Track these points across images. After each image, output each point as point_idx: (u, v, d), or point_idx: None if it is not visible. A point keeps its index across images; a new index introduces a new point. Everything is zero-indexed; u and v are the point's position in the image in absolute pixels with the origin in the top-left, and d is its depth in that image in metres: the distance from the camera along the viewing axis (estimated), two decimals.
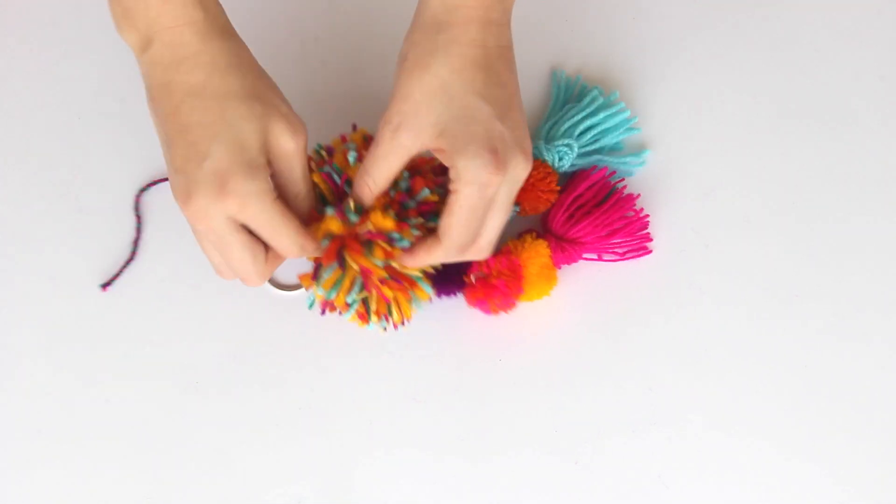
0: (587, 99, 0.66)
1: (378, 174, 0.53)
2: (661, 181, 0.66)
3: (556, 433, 0.61)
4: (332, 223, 0.53)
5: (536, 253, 0.60)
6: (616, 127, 0.66)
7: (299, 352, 0.62)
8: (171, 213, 0.65)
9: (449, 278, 0.60)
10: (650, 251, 0.63)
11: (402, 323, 0.57)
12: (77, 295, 0.63)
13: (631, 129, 0.67)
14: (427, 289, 0.56)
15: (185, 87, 0.51)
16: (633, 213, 0.63)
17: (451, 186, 0.51)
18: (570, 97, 0.68)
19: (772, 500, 0.59)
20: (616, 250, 0.63)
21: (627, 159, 0.66)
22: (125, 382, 0.61)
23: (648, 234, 0.63)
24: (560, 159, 0.64)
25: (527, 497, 0.59)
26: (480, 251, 0.54)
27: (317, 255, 0.54)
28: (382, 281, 0.54)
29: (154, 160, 0.66)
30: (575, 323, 0.62)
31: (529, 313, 0.62)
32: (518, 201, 0.62)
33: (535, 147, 0.63)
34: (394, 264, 0.54)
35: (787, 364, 0.62)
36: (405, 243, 0.53)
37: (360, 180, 0.53)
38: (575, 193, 0.62)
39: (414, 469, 0.60)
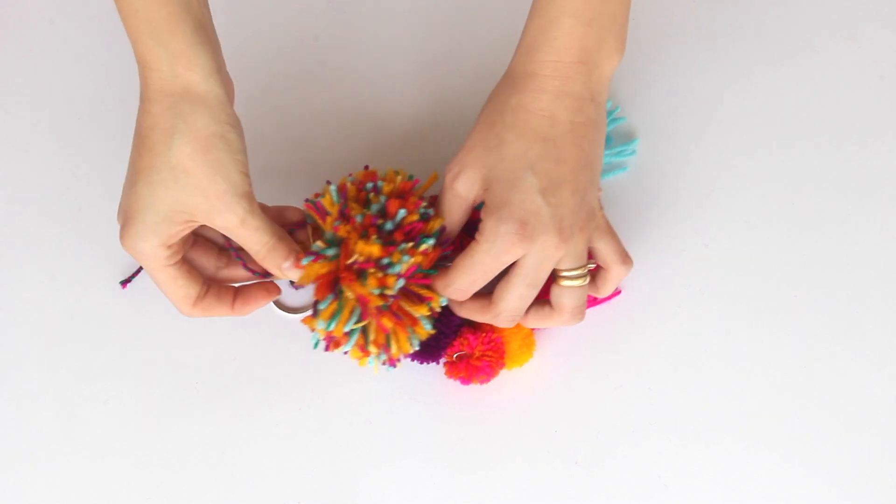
0: None
1: (448, 220, 0.54)
2: (661, 181, 0.66)
3: (556, 433, 0.61)
4: (315, 268, 0.53)
5: (518, 327, 0.59)
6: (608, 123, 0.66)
7: (299, 352, 0.62)
8: None
9: (430, 351, 0.59)
10: (619, 291, 0.63)
11: (399, 359, 0.56)
12: (76, 296, 0.63)
13: (616, 119, 0.67)
14: (427, 326, 0.55)
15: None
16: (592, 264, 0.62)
17: (476, 236, 0.52)
18: None
19: (772, 499, 0.59)
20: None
21: (618, 150, 0.66)
22: (125, 383, 0.62)
23: (618, 289, 0.63)
24: None
25: (527, 497, 0.59)
26: (496, 317, 0.55)
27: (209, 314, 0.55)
28: (380, 310, 0.53)
29: None
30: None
31: None
32: None
33: None
34: (394, 295, 0.53)
35: (786, 364, 0.62)
36: (397, 269, 0.52)
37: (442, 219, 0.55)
38: None
39: (414, 469, 0.60)
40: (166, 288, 0.54)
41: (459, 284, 0.53)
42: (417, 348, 0.56)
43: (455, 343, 0.59)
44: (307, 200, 0.56)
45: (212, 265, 0.57)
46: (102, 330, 0.63)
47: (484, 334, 0.59)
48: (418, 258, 0.53)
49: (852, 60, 0.69)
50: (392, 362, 0.56)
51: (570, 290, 0.55)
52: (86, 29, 0.70)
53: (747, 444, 0.60)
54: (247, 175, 0.52)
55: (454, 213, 0.54)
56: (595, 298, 0.62)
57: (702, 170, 0.66)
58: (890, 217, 0.65)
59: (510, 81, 0.53)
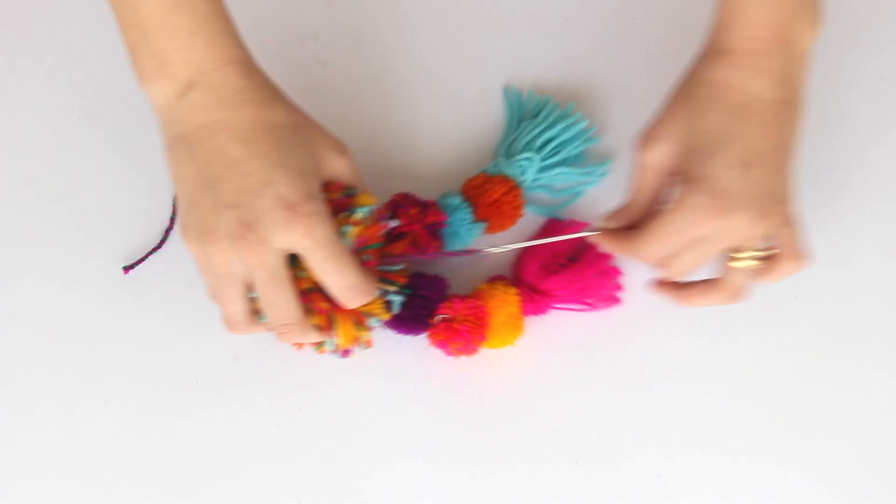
0: (543, 113, 0.66)
1: (635, 188, 0.54)
2: None
3: (556, 433, 0.61)
4: None
5: (505, 301, 0.60)
6: (575, 138, 0.66)
7: (299, 352, 0.62)
8: (168, 214, 0.65)
9: (414, 318, 0.60)
10: (620, 301, 0.62)
11: (349, 350, 0.55)
12: (76, 295, 0.63)
13: (590, 139, 0.66)
14: (373, 322, 0.55)
15: (232, 124, 0.50)
16: (606, 269, 0.62)
17: (673, 204, 0.52)
18: (524, 113, 0.67)
19: (771, 499, 0.60)
20: (587, 300, 0.62)
21: (589, 170, 0.66)
22: (125, 383, 0.62)
23: (620, 285, 0.63)
24: (522, 173, 0.64)
25: (527, 497, 0.59)
26: (670, 271, 0.54)
27: (371, 296, 0.53)
28: (309, 292, 0.52)
29: (155, 160, 0.66)
30: (575, 323, 0.62)
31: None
32: (484, 217, 0.62)
33: (495, 164, 0.64)
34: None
35: (786, 364, 0.62)
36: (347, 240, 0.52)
37: (624, 200, 0.55)
38: (551, 247, 0.61)
39: (414, 469, 0.60)
40: (350, 261, 0.51)
41: (650, 251, 0.53)
42: (357, 346, 0.55)
43: (441, 307, 0.59)
44: None
45: None
46: (102, 330, 0.63)
47: (470, 300, 0.59)
48: (355, 229, 0.52)
49: (852, 60, 0.69)
50: (344, 353, 0.55)
51: (740, 272, 0.53)
52: (86, 29, 0.69)
53: (747, 444, 0.60)
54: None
55: (644, 183, 0.54)
56: (593, 304, 0.62)
57: None
58: (890, 217, 0.65)
59: (707, 57, 0.53)
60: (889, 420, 0.61)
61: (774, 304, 0.63)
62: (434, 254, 0.60)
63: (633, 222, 0.55)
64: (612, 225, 0.55)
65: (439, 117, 0.68)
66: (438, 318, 0.59)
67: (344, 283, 0.51)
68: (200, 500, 0.60)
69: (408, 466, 0.60)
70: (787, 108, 0.52)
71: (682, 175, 0.52)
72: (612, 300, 0.62)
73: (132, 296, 0.63)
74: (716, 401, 0.61)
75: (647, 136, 0.53)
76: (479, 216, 0.62)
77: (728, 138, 0.51)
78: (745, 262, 0.53)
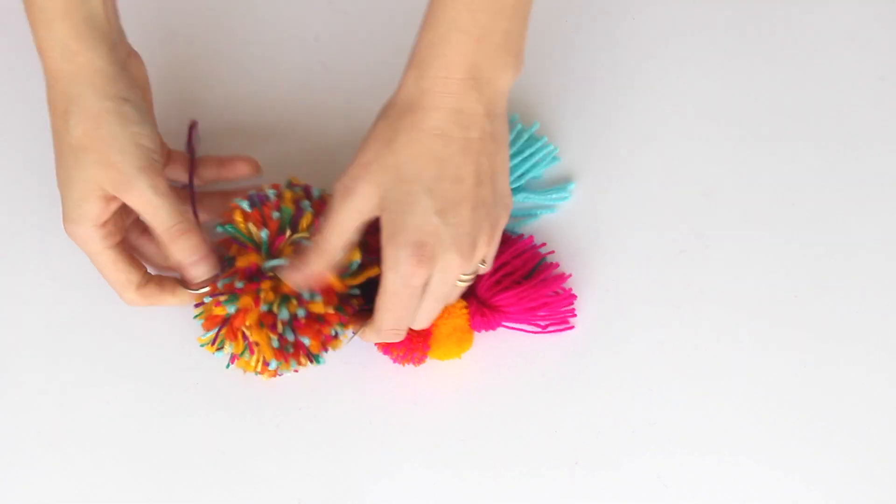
0: (512, 134, 0.65)
1: (330, 235, 0.53)
2: (660, 181, 0.66)
3: (556, 433, 0.61)
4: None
5: (450, 314, 0.59)
6: (541, 161, 0.65)
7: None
8: None
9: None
10: (572, 327, 0.62)
11: (271, 369, 0.57)
12: (77, 295, 0.63)
13: (555, 158, 0.66)
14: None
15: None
16: (561, 291, 0.62)
17: (381, 269, 0.52)
18: None
19: (771, 499, 0.60)
20: (538, 322, 0.62)
21: (552, 195, 0.65)
22: (125, 384, 0.61)
23: (573, 310, 0.62)
24: None
25: (527, 497, 0.59)
26: (414, 322, 0.56)
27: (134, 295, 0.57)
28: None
29: None
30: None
31: None
32: None
33: None
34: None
35: (786, 364, 0.62)
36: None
37: (317, 242, 0.53)
38: (501, 260, 0.61)
39: (414, 470, 0.60)
40: (107, 273, 0.56)
41: (386, 324, 0.54)
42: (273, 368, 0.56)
43: None
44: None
45: (159, 255, 0.58)
46: (103, 330, 0.63)
47: None
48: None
49: (852, 60, 0.69)
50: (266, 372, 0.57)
51: (458, 290, 0.56)
52: None
53: (747, 444, 0.60)
54: (148, 147, 0.53)
55: (346, 229, 0.53)
56: (544, 327, 0.62)
57: (702, 170, 0.66)
58: (890, 217, 0.65)
59: (403, 99, 0.52)
60: (889, 421, 0.61)
61: (774, 305, 0.63)
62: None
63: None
64: (297, 283, 0.54)
65: None
66: None
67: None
68: (200, 501, 0.60)
69: (408, 467, 0.60)
70: (485, 142, 0.52)
71: (384, 231, 0.51)
72: (564, 323, 0.62)
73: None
74: (716, 401, 0.61)
75: (348, 180, 0.52)
76: None
77: (429, 188, 0.51)
78: (461, 286, 0.56)
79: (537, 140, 0.66)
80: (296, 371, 0.58)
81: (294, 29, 0.70)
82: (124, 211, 0.56)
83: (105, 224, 0.54)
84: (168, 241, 0.54)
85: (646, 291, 0.63)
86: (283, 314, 0.54)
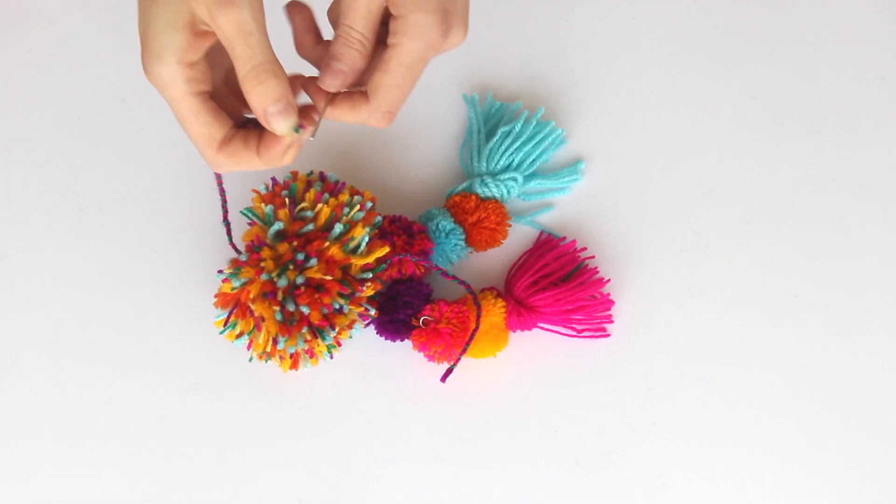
0: (519, 123, 0.65)
1: (353, 20, 0.49)
2: (660, 182, 0.66)
3: (557, 433, 0.61)
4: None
5: (490, 311, 0.60)
6: (551, 146, 0.66)
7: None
8: (169, 214, 0.65)
9: (398, 322, 0.60)
10: (608, 335, 0.62)
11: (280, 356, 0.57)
12: (77, 295, 0.63)
13: (563, 141, 0.67)
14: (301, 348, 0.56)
15: None
16: (599, 295, 0.62)
17: (393, 39, 0.48)
18: (490, 118, 0.67)
19: (771, 499, 0.60)
20: (574, 326, 0.62)
21: (562, 176, 0.66)
22: (125, 383, 0.62)
23: (611, 316, 0.62)
24: (508, 192, 0.64)
25: (527, 497, 0.59)
26: (374, 115, 0.50)
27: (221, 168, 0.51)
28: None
29: (156, 159, 0.66)
30: (611, 329, 0.62)
31: None
32: (475, 242, 0.63)
33: (483, 183, 0.64)
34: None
35: (786, 364, 0.62)
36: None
37: (341, 33, 0.49)
38: (542, 262, 0.61)
39: (414, 469, 0.60)
40: (189, 125, 0.49)
41: (390, 104, 0.49)
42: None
43: (426, 309, 0.60)
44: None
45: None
46: (103, 330, 0.63)
47: (455, 305, 0.60)
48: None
49: (852, 60, 0.69)
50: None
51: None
52: (86, 29, 0.70)
53: (747, 444, 0.60)
54: None
55: (363, 18, 0.48)
56: (579, 331, 0.62)
57: (701, 170, 0.66)
58: (890, 217, 0.65)
59: None
60: (890, 419, 0.61)
61: (774, 304, 0.63)
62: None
63: (355, 81, 0.50)
64: (336, 86, 0.50)
65: (441, 116, 0.68)
66: (423, 319, 0.59)
67: (191, 137, 0.50)
68: (201, 500, 0.60)
69: (408, 466, 0.60)
70: None
71: (408, 3, 0.47)
72: (600, 330, 0.62)
73: (132, 296, 0.63)
74: (716, 401, 0.61)
75: None
76: (471, 241, 0.63)
77: None
78: None
79: (545, 125, 0.66)
80: (309, 354, 0.57)
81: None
82: (215, 61, 0.50)
83: (192, 65, 0.47)
84: (254, 81, 0.47)
85: (646, 291, 0.63)
86: (282, 281, 0.53)
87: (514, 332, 0.61)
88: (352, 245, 0.56)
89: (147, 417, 0.61)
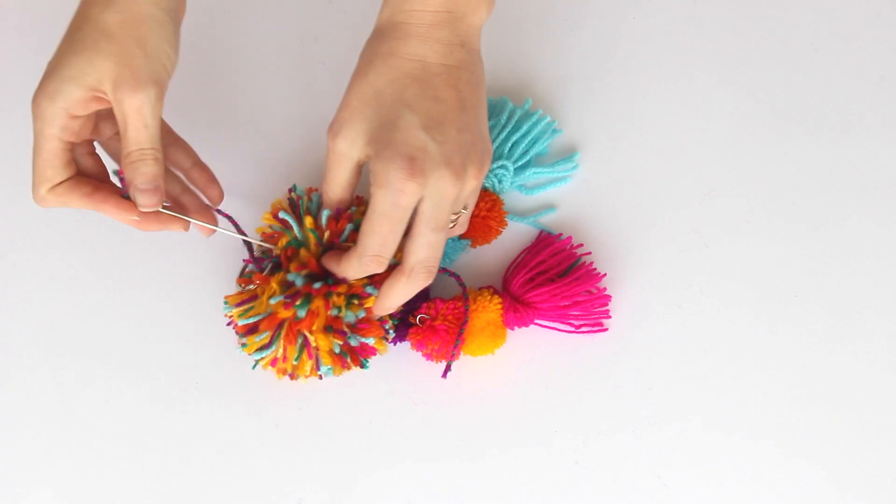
0: (504, 115, 0.65)
1: (331, 181, 0.53)
2: (660, 181, 0.66)
3: (556, 433, 0.61)
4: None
5: (485, 307, 0.60)
6: (541, 134, 0.66)
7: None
8: None
9: (401, 323, 0.60)
10: (606, 329, 0.62)
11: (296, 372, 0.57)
12: (77, 295, 0.63)
13: (555, 131, 0.67)
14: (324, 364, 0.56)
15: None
16: (595, 290, 0.62)
17: (370, 191, 0.51)
18: None
19: (771, 500, 0.60)
20: (571, 322, 0.62)
21: (559, 166, 0.66)
22: (125, 383, 0.62)
23: (608, 311, 0.62)
24: (500, 182, 0.64)
25: (527, 497, 0.59)
26: (412, 273, 0.53)
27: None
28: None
29: None
30: (608, 324, 0.62)
31: None
32: (468, 235, 0.63)
33: None
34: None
35: (786, 364, 0.62)
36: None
37: (322, 188, 0.54)
38: (538, 259, 0.62)
39: (413, 469, 0.60)
40: (41, 161, 0.52)
41: (371, 248, 0.51)
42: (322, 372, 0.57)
43: (422, 307, 0.60)
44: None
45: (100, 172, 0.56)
46: (103, 330, 0.63)
47: (451, 302, 0.60)
48: None
49: (852, 60, 0.69)
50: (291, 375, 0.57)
51: (457, 223, 0.55)
52: None
53: (747, 444, 0.60)
54: (167, 68, 0.52)
55: (340, 175, 0.53)
56: (577, 327, 0.62)
57: (702, 170, 0.66)
58: (890, 217, 0.65)
59: (378, 34, 0.53)
60: (891, 419, 0.61)
61: (774, 304, 0.63)
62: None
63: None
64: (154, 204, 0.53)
65: None
66: (419, 317, 0.59)
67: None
68: (200, 500, 0.60)
69: (407, 467, 0.60)
70: (462, 70, 0.53)
71: (374, 153, 0.51)
72: (597, 325, 0.62)
73: (132, 296, 0.63)
74: (716, 401, 0.61)
75: (335, 123, 0.52)
76: (466, 234, 0.63)
77: (411, 104, 0.51)
78: (454, 219, 0.54)
79: (533, 115, 0.66)
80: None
81: (294, 29, 0.70)
82: (94, 126, 0.54)
83: (75, 118, 0.52)
84: (134, 160, 0.52)
85: (646, 290, 0.63)
86: (349, 317, 0.53)
87: (511, 329, 0.61)
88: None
89: (147, 417, 0.61)
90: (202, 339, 0.62)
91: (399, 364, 0.62)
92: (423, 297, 0.61)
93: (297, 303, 0.53)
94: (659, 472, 0.60)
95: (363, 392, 0.61)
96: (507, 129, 0.65)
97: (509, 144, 0.65)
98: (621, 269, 0.64)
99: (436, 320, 0.59)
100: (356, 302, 0.54)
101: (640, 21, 0.71)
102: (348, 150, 0.52)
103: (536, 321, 0.62)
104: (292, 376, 0.57)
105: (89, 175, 0.55)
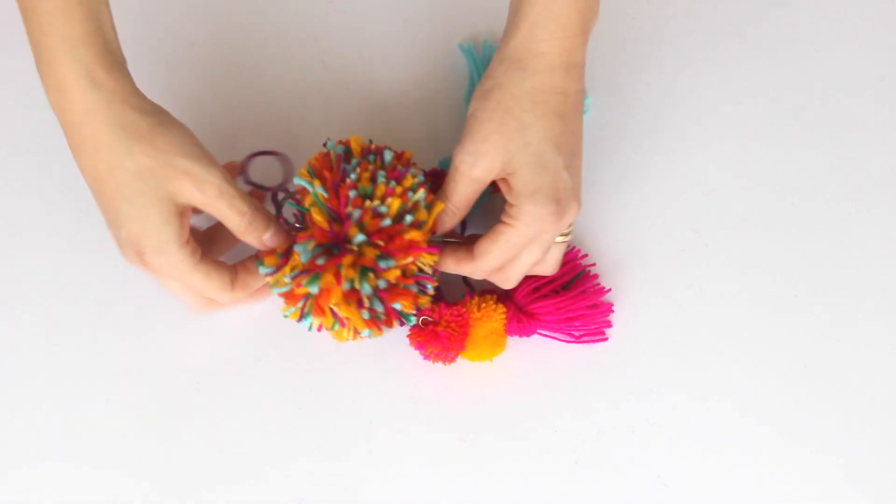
0: None
1: (458, 201, 0.54)
2: (661, 181, 0.66)
3: (556, 433, 0.61)
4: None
5: (489, 316, 0.60)
6: None
7: (299, 353, 0.62)
8: None
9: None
10: (606, 338, 0.62)
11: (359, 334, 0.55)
12: (77, 295, 0.63)
13: None
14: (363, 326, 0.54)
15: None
16: (599, 304, 0.62)
17: (507, 219, 0.53)
18: (487, 62, 0.67)
19: (771, 499, 0.60)
20: (573, 332, 0.62)
21: None
22: (125, 383, 0.62)
23: (609, 322, 0.62)
24: None
25: (527, 497, 0.59)
26: (507, 280, 0.56)
27: (243, 300, 0.57)
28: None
29: None
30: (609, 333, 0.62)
31: None
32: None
33: None
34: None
35: (786, 364, 0.62)
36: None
37: (443, 208, 0.55)
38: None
39: (413, 470, 0.60)
40: (206, 285, 0.53)
41: (489, 265, 0.55)
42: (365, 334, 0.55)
43: (426, 309, 0.60)
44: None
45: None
46: (103, 330, 0.63)
47: (455, 308, 0.59)
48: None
49: (852, 60, 0.69)
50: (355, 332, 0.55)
51: (562, 246, 0.57)
52: None
53: (747, 443, 0.60)
54: (199, 141, 0.52)
55: (467, 198, 0.54)
56: (578, 337, 0.62)
57: (702, 170, 0.66)
58: (890, 217, 0.65)
59: (517, 64, 0.53)
60: (891, 422, 0.61)
61: (774, 304, 0.63)
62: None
63: (451, 231, 0.56)
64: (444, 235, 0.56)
65: (442, 115, 0.68)
66: (422, 319, 0.59)
67: (211, 295, 0.55)
68: (201, 500, 0.60)
69: (407, 467, 0.60)
70: (583, 94, 0.55)
71: (517, 189, 0.52)
72: (599, 335, 0.62)
73: (132, 296, 0.63)
74: (716, 401, 0.61)
75: (474, 156, 0.52)
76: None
77: (558, 144, 0.52)
78: (564, 238, 0.57)
79: None
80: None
81: (294, 29, 0.70)
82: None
83: (189, 241, 0.52)
84: (245, 227, 0.53)
85: (646, 291, 0.63)
86: (366, 289, 0.52)
87: (512, 336, 0.61)
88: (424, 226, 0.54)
89: (147, 417, 0.61)
90: (202, 339, 0.62)
91: (398, 364, 0.62)
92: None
93: (305, 280, 0.52)
94: (659, 472, 0.60)
95: (363, 392, 0.61)
96: None
97: None
98: (621, 270, 0.64)
99: (438, 325, 0.59)
100: (372, 274, 0.52)
101: (639, 21, 0.71)
102: (484, 177, 0.53)
103: (539, 331, 0.62)
104: (353, 338, 0.55)
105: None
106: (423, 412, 0.61)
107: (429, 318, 0.59)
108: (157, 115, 0.52)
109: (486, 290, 0.62)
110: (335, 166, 0.55)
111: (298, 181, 0.55)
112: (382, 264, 0.51)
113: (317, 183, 0.54)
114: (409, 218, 0.53)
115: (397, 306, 0.53)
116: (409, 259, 0.53)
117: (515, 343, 0.62)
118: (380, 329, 0.54)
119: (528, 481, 0.60)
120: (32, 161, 0.66)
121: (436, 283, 0.57)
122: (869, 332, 0.63)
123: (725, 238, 0.65)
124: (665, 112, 0.68)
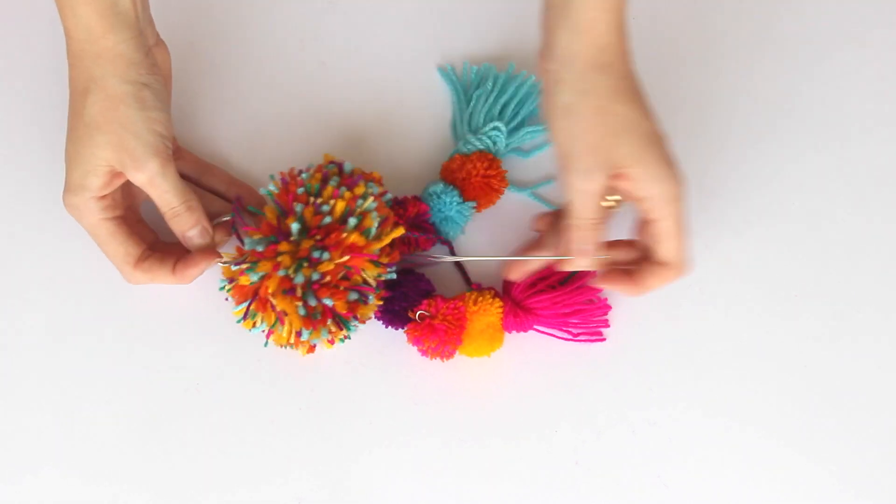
0: (489, 81, 0.66)
1: (592, 214, 0.55)
2: None
3: (556, 433, 0.61)
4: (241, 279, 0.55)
5: (486, 311, 0.60)
6: (528, 94, 0.67)
7: (299, 353, 0.62)
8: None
9: (396, 313, 0.60)
10: (604, 339, 0.62)
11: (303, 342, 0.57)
12: (76, 296, 0.63)
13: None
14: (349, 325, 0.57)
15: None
16: (596, 300, 0.62)
17: (652, 215, 0.54)
18: (467, 86, 0.68)
19: (771, 499, 0.60)
20: (570, 330, 0.62)
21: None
22: (126, 384, 0.62)
23: (607, 320, 0.62)
24: (494, 143, 0.65)
25: (527, 498, 0.59)
26: (683, 273, 0.57)
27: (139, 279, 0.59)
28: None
29: None
30: (607, 333, 0.62)
31: None
32: (473, 197, 0.63)
33: (466, 140, 0.64)
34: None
35: (786, 364, 0.62)
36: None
37: (578, 226, 0.55)
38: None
39: (413, 470, 0.60)
40: (106, 246, 0.57)
41: (687, 254, 0.56)
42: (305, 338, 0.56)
43: (423, 303, 0.60)
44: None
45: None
46: (103, 331, 0.63)
47: (452, 302, 0.60)
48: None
49: (852, 60, 0.69)
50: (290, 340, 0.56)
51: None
52: None
53: (747, 444, 0.60)
54: (161, 134, 0.55)
55: (596, 207, 0.55)
56: (575, 335, 0.62)
57: (702, 170, 0.66)
58: (890, 217, 0.65)
59: (590, 67, 0.53)
60: (890, 419, 0.61)
61: (774, 304, 0.63)
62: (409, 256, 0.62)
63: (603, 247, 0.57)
64: (586, 265, 0.56)
65: (443, 115, 0.68)
66: (419, 313, 0.59)
67: (112, 260, 0.59)
68: (201, 500, 0.60)
69: (408, 467, 0.60)
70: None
71: (640, 176, 0.53)
72: (596, 334, 0.62)
73: (133, 296, 0.63)
74: (716, 401, 0.61)
75: (588, 172, 0.53)
76: (468, 196, 0.63)
77: (649, 117, 0.54)
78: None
79: (517, 77, 0.67)
80: (330, 342, 0.57)
81: (294, 29, 0.70)
82: (129, 190, 0.59)
83: (105, 197, 0.56)
84: (170, 218, 0.57)
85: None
86: (299, 278, 0.53)
87: (509, 332, 0.61)
88: (371, 235, 0.56)
89: (147, 417, 0.61)
90: (202, 339, 0.62)
91: (399, 364, 0.62)
92: (426, 293, 0.61)
93: (246, 267, 0.54)
94: (659, 472, 0.60)
95: (363, 393, 0.61)
96: (495, 94, 0.66)
97: (499, 107, 0.66)
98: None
99: (435, 318, 0.59)
100: (306, 265, 0.54)
101: (639, 21, 0.71)
102: (603, 185, 0.54)
103: (535, 327, 0.61)
104: (296, 343, 0.56)
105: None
106: (423, 412, 0.61)
107: (425, 313, 0.59)
108: (136, 87, 0.55)
109: (484, 286, 0.62)
110: (293, 170, 0.59)
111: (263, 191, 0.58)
112: (316, 254, 0.54)
113: (272, 182, 0.57)
114: (352, 220, 0.55)
115: (328, 302, 0.54)
116: (346, 258, 0.54)
117: (516, 343, 0.62)
118: (317, 330, 0.55)
119: (528, 482, 0.60)
120: (33, 160, 0.66)
121: (379, 297, 0.58)
122: (869, 332, 0.63)
123: (726, 238, 0.65)
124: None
